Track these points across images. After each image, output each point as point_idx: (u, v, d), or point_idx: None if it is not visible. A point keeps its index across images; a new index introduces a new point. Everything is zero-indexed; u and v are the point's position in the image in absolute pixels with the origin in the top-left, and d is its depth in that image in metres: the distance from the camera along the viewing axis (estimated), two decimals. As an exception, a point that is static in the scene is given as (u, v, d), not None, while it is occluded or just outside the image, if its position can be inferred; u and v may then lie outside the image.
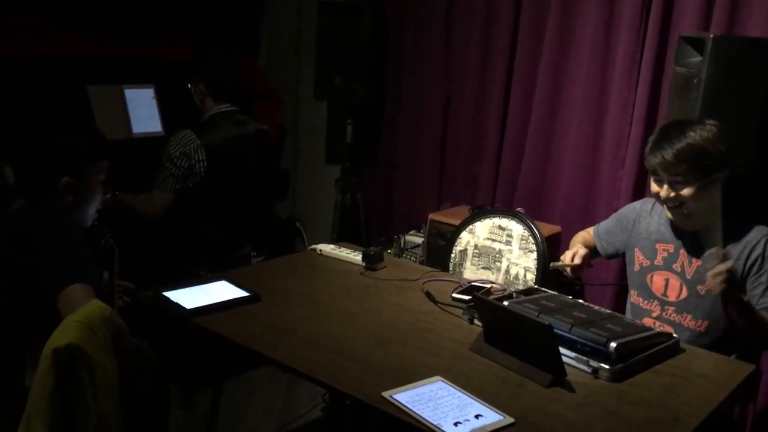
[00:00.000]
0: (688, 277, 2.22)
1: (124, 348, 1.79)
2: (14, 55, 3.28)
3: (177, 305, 2.10)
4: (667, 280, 2.27)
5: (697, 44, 2.40)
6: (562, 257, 2.37)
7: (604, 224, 2.55)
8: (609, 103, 3.26)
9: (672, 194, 2.14)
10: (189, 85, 3.22)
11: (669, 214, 2.22)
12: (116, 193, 3.09)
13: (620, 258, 2.51)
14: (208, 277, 2.37)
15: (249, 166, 3.25)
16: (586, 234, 2.60)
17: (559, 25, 3.36)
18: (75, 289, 1.83)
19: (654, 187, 2.20)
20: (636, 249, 2.37)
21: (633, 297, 2.38)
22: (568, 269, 2.32)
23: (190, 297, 2.16)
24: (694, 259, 2.22)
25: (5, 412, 1.83)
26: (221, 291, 2.23)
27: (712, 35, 2.31)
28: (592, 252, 2.50)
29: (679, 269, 2.25)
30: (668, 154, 2.09)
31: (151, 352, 2.00)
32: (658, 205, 2.36)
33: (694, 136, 2.09)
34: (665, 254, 2.28)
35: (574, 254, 2.33)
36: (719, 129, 2.12)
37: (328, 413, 3.14)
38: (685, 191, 2.12)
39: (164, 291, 2.19)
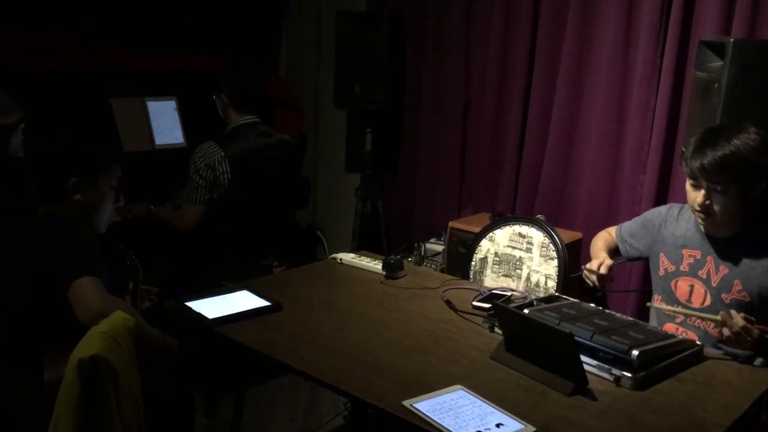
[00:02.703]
0: (714, 285, 2.19)
1: (147, 354, 1.81)
2: (38, 69, 3.34)
3: (199, 315, 2.12)
4: (692, 287, 2.24)
5: (718, 48, 2.38)
6: (588, 265, 2.31)
7: (628, 227, 2.51)
8: (629, 108, 3.24)
9: (708, 201, 2.10)
10: (213, 96, 3.25)
11: (699, 220, 2.19)
12: (151, 207, 3.14)
13: (642, 261, 2.48)
14: (229, 286, 2.39)
15: (272, 177, 3.27)
16: (608, 235, 2.57)
17: (579, 30, 3.35)
18: (83, 282, 1.87)
19: (690, 191, 2.16)
20: (661, 254, 2.34)
21: (656, 302, 2.36)
22: (595, 277, 2.27)
23: (212, 307, 2.18)
24: (721, 266, 2.18)
25: (26, 408, 1.87)
26: (243, 300, 2.25)
27: (732, 39, 2.29)
28: (614, 252, 2.48)
29: (704, 276, 2.22)
30: (711, 160, 2.05)
31: (176, 344, 2.03)
32: (685, 211, 2.33)
33: (738, 144, 2.04)
34: (691, 260, 2.25)
35: (600, 264, 2.28)
36: (763, 139, 2.07)
37: (350, 422, 3.14)
38: (722, 200, 2.08)
39: (186, 301, 2.21)
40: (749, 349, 1.98)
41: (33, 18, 3.41)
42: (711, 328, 2.20)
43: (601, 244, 2.53)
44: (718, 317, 1.98)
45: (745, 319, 1.92)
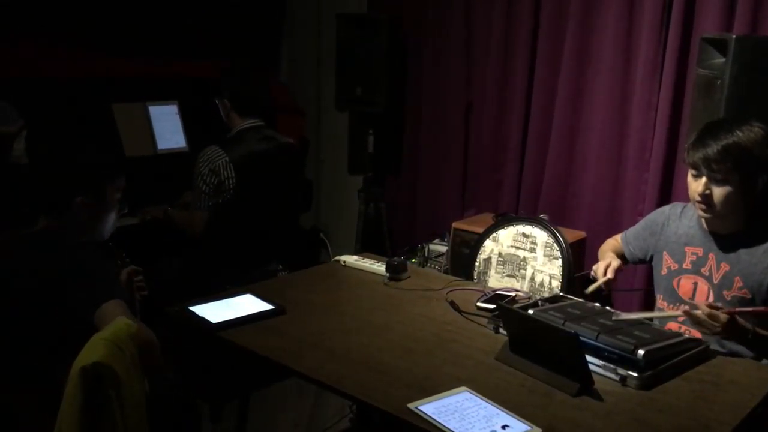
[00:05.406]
0: (716, 282, 2.19)
1: (152, 363, 1.80)
2: (40, 76, 3.34)
3: (203, 319, 2.12)
4: (695, 284, 2.24)
5: (720, 45, 2.37)
6: (594, 268, 2.31)
7: (633, 230, 2.51)
8: (632, 106, 3.24)
9: (708, 191, 2.10)
10: (216, 101, 3.25)
11: (701, 214, 2.18)
12: (168, 209, 3.14)
13: (646, 263, 2.48)
14: (233, 291, 2.38)
15: (277, 181, 3.26)
16: (615, 241, 2.56)
17: (580, 29, 3.35)
18: (109, 306, 1.86)
19: (691, 182, 2.16)
20: (664, 252, 2.33)
21: (659, 302, 2.35)
22: (603, 279, 2.27)
23: (215, 311, 2.17)
24: (722, 263, 2.18)
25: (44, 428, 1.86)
26: (246, 304, 2.24)
27: (734, 36, 2.29)
28: (621, 258, 2.47)
29: (707, 273, 2.21)
30: (713, 149, 2.06)
31: (170, 370, 2.02)
32: (688, 209, 2.33)
33: (741, 135, 2.05)
34: (694, 258, 2.25)
35: (606, 267, 2.28)
36: (765, 132, 2.08)
37: (356, 424, 3.14)
38: (722, 190, 2.08)
39: (190, 305, 2.20)
40: (722, 336, 1.98)
41: (32, 26, 3.41)
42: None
43: (609, 249, 2.52)
44: (679, 313, 2.01)
45: (709, 306, 1.94)
